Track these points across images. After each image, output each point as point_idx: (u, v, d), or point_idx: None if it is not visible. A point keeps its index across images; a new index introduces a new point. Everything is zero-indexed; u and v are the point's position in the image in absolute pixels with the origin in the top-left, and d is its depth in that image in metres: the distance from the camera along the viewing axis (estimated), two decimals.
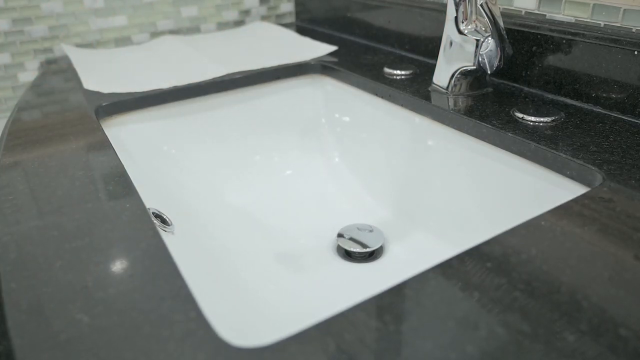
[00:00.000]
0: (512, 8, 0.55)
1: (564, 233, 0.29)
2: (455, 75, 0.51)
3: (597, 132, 0.42)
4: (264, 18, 0.91)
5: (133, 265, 0.27)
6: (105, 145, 0.43)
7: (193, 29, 0.85)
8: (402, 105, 0.54)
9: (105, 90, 0.57)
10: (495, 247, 0.28)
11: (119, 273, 0.27)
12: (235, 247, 0.51)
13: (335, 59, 0.66)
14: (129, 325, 0.23)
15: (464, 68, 0.50)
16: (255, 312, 0.41)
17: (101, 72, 0.63)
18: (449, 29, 0.50)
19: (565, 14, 0.51)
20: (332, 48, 0.71)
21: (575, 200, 0.32)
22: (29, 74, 0.74)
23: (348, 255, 0.50)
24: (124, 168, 0.39)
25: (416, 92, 0.53)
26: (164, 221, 0.43)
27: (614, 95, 0.45)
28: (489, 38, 0.48)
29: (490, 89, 0.52)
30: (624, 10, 0.46)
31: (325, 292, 0.46)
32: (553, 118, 0.44)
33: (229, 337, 0.22)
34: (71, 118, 0.50)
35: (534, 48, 0.51)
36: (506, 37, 0.48)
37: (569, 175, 0.38)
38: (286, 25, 0.88)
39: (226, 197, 0.59)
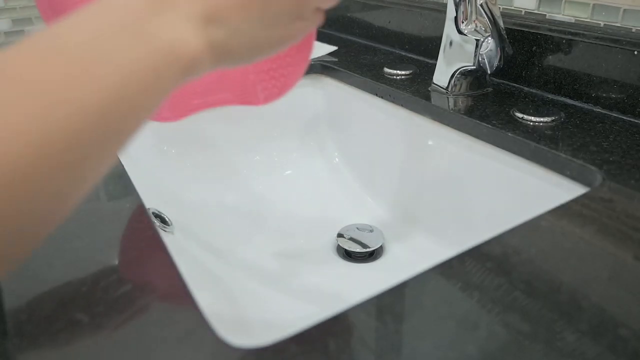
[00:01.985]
0: (512, 8, 0.55)
1: (564, 233, 0.29)
2: (455, 75, 0.51)
3: (597, 132, 0.42)
4: None
5: (133, 264, 0.27)
6: None
7: None
8: (402, 105, 0.54)
9: None
10: (495, 247, 0.28)
11: (119, 273, 0.27)
12: (235, 247, 0.51)
13: (335, 59, 0.66)
14: (129, 325, 0.23)
15: (464, 68, 0.50)
16: (255, 312, 0.41)
17: None
18: (449, 29, 0.50)
19: (565, 14, 0.51)
20: (332, 48, 0.71)
21: (575, 200, 0.32)
22: None
23: (348, 255, 0.50)
24: (124, 168, 0.39)
25: (416, 92, 0.53)
26: (164, 221, 0.43)
27: (613, 95, 0.45)
28: (489, 38, 0.48)
29: (490, 89, 0.52)
30: (624, 10, 0.46)
31: (325, 292, 0.46)
32: (553, 118, 0.44)
33: (229, 337, 0.22)
34: None
35: (534, 48, 0.51)
36: (506, 37, 0.48)
37: (569, 175, 0.38)
38: None
39: (226, 197, 0.59)
